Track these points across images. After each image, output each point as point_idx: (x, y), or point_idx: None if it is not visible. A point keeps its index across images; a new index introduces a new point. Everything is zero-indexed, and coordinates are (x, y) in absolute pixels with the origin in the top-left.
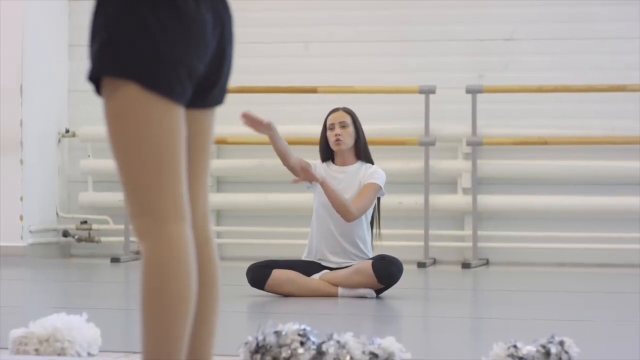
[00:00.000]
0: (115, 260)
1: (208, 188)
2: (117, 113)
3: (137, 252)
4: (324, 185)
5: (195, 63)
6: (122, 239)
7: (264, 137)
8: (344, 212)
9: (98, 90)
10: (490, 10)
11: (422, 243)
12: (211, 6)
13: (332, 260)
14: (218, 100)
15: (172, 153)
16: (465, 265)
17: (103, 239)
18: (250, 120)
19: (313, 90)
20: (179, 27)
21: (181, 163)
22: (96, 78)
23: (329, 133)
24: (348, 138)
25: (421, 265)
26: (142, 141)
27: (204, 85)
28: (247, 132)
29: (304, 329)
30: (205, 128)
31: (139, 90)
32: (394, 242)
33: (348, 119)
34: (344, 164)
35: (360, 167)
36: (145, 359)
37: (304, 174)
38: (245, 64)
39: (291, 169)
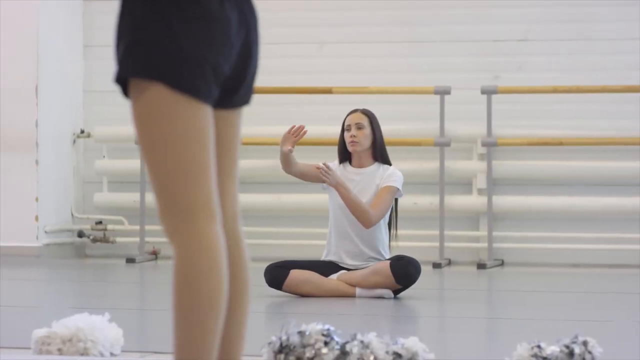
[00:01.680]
0: (130, 260)
1: (238, 188)
2: (145, 114)
3: (153, 253)
4: (339, 189)
5: (221, 63)
6: (137, 239)
7: (279, 138)
8: (363, 218)
9: (125, 92)
10: (505, 11)
11: (437, 244)
12: (236, 6)
13: (350, 263)
14: (245, 100)
15: (201, 152)
16: (481, 266)
17: (118, 239)
18: (298, 134)
19: (328, 91)
20: (204, 27)
21: (210, 162)
22: (123, 80)
23: (345, 134)
24: (364, 140)
25: (436, 265)
26: (170, 141)
27: (230, 85)
28: (262, 132)
29: (328, 329)
30: (232, 128)
31: (166, 91)
32: (409, 242)
33: (365, 121)
34: (360, 165)
35: (377, 168)
36: (177, 357)
37: (323, 168)
38: (260, 65)
39: (293, 174)
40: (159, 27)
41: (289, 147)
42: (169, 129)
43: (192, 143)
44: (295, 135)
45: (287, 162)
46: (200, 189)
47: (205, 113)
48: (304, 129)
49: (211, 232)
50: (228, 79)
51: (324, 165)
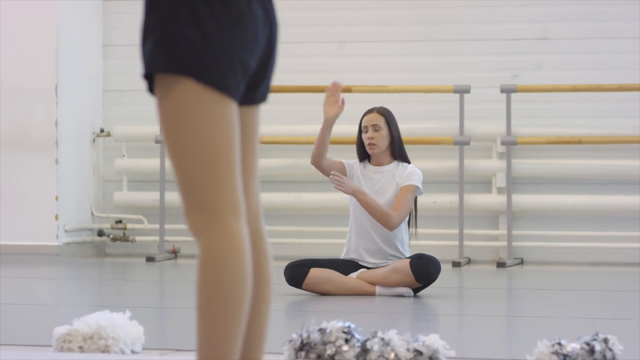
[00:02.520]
0: (150, 259)
1: (259, 185)
2: (173, 109)
3: (172, 252)
4: (356, 196)
5: (248, 59)
6: (156, 238)
7: (298, 137)
8: (384, 221)
9: (151, 88)
10: (524, 10)
11: (456, 242)
12: (261, 3)
13: (370, 261)
14: (263, 97)
15: (228, 148)
16: (500, 265)
17: (138, 238)
18: (336, 91)
19: (348, 90)
20: (232, 23)
21: (236, 158)
22: (149, 76)
23: (363, 136)
24: (381, 141)
25: (456, 264)
26: (198, 137)
27: (253, 82)
28: (282, 131)
29: (349, 327)
30: (252, 125)
31: (196, 86)
32: (429, 241)
33: (381, 122)
34: (379, 164)
35: (396, 166)
36: (200, 356)
37: (334, 178)
38: (280, 64)
39: (321, 168)
40: (189, 22)
41: (334, 112)
42: (197, 125)
43: (220, 139)
44: (334, 93)
45: (324, 141)
46: (227, 186)
47: (233, 109)
48: (340, 84)
49: (237, 229)
50: (251, 75)
51: (335, 176)
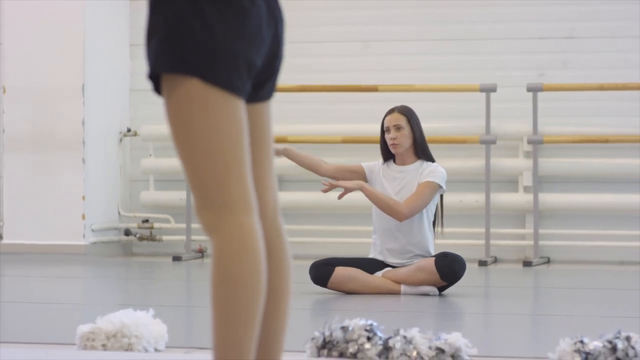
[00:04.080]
0: (177, 258)
1: (276, 181)
2: (180, 109)
3: (199, 251)
4: (363, 191)
5: (253, 57)
6: (183, 237)
7: (324, 136)
8: (393, 213)
9: (157, 88)
10: (550, 9)
11: (483, 241)
12: (264, 1)
13: (395, 261)
14: (270, 94)
15: (236, 146)
16: (527, 264)
17: (165, 237)
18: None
19: (374, 89)
20: (237, 21)
21: (245, 155)
22: (155, 76)
23: (385, 136)
24: (404, 140)
25: (482, 263)
26: (206, 136)
27: (260, 79)
28: (308, 130)
29: (371, 325)
30: (264, 121)
31: (201, 86)
32: (455, 240)
33: (403, 121)
34: (404, 163)
35: (420, 165)
36: (216, 353)
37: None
38: (306, 63)
39: (330, 177)
40: (193, 22)
41: (284, 154)
42: (203, 125)
43: (227, 137)
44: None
45: (304, 165)
46: (237, 182)
47: (240, 107)
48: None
49: (249, 224)
50: (258, 73)
51: (327, 184)
